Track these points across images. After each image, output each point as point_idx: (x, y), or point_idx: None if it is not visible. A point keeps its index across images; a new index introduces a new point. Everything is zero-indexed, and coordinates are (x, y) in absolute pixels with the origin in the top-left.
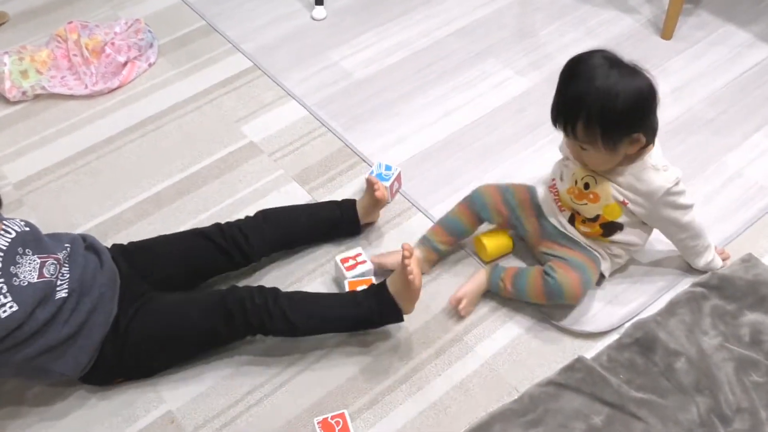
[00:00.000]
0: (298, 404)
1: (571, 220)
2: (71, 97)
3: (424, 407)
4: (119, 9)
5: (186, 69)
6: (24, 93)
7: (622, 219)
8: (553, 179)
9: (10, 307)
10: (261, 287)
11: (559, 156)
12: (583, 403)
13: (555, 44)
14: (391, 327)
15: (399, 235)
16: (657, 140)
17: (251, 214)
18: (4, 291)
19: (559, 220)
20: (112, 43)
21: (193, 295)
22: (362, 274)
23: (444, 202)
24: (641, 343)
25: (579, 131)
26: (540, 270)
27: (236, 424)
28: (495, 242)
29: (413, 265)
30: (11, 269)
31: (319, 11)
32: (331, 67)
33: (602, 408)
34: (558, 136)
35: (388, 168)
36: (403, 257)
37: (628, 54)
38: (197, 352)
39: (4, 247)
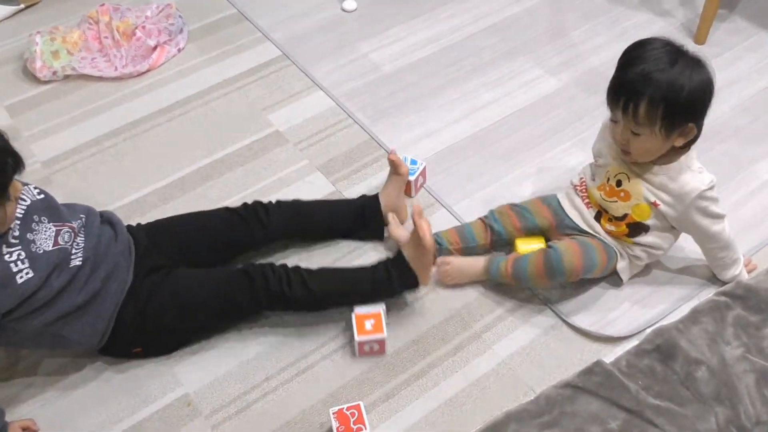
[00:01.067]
0: (313, 393)
1: (597, 218)
2: (100, 78)
3: (440, 403)
4: None
5: (215, 55)
6: (54, 73)
7: (649, 221)
8: (581, 178)
9: (27, 273)
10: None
11: (588, 159)
12: (600, 407)
13: (587, 45)
14: (410, 322)
15: None
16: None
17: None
18: (21, 257)
19: (584, 218)
20: (143, 27)
21: (215, 268)
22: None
23: (468, 199)
24: (662, 350)
25: (641, 110)
26: (543, 249)
27: (252, 409)
28: (527, 245)
29: (422, 225)
30: (28, 236)
31: (349, 3)
32: (360, 59)
33: (619, 413)
34: (584, 138)
35: (413, 162)
36: (414, 214)
37: None
38: (216, 323)
39: (20, 215)
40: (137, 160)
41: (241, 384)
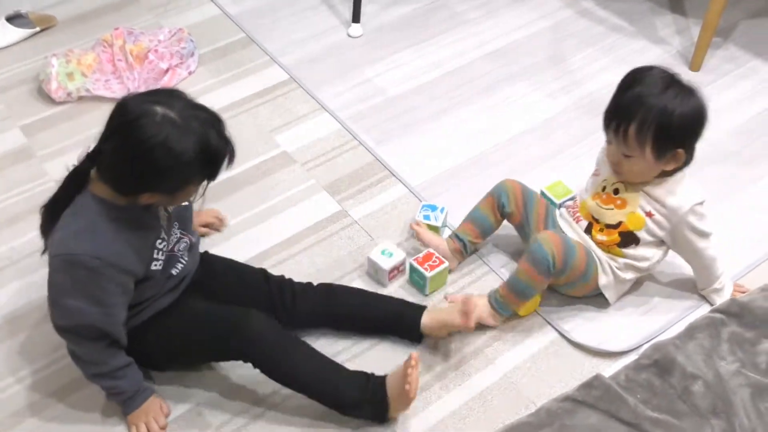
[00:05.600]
0: (320, 406)
1: (588, 231)
2: (114, 100)
3: (444, 416)
4: (163, 18)
5: (224, 78)
6: (69, 94)
7: (641, 233)
8: (573, 200)
9: (159, 265)
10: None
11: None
12: (600, 420)
13: (585, 71)
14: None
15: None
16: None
17: (283, 221)
18: (164, 249)
19: (573, 228)
20: (156, 50)
21: (211, 308)
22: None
23: None
24: (659, 364)
25: (631, 133)
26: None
27: (260, 422)
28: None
29: (413, 377)
30: (170, 235)
31: (355, 29)
32: (365, 83)
33: (618, 426)
34: (582, 160)
35: (437, 209)
36: (407, 365)
37: None
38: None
39: (168, 212)
40: None
41: (251, 396)
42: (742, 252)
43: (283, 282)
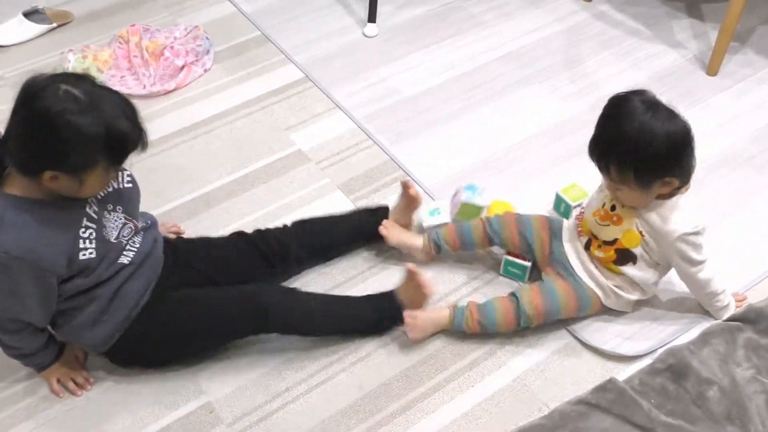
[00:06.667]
0: (333, 405)
1: (587, 247)
2: (129, 96)
3: (456, 416)
4: (179, 15)
5: (240, 76)
6: None
7: (637, 250)
8: (582, 208)
9: (90, 253)
10: (289, 290)
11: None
12: (613, 423)
13: (601, 74)
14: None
15: None
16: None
17: (296, 219)
18: (92, 237)
19: (575, 247)
20: (171, 47)
21: (221, 292)
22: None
23: None
24: (674, 369)
25: (612, 171)
26: (506, 295)
27: (272, 418)
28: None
29: (423, 280)
30: (103, 219)
31: (371, 28)
32: (380, 83)
33: (632, 430)
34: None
35: (473, 188)
36: (411, 275)
37: (672, 88)
38: (214, 347)
39: (101, 196)
40: (163, 175)
41: (263, 393)
42: (758, 257)
43: (265, 235)
